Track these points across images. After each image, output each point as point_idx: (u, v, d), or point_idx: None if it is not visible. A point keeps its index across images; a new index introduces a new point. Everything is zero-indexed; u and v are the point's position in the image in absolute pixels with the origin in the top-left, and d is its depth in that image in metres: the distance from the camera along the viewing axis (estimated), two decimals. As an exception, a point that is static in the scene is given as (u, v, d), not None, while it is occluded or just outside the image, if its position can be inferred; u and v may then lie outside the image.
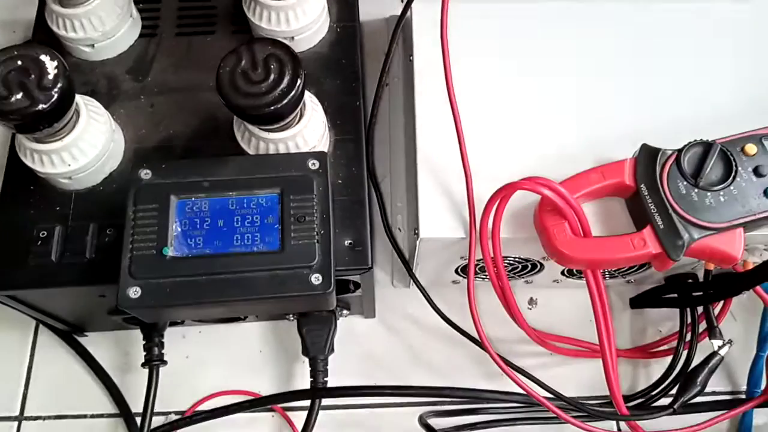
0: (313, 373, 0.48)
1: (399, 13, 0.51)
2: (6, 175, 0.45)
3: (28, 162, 0.42)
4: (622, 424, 0.52)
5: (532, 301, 0.57)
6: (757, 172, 0.42)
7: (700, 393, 0.48)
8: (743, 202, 0.41)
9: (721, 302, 0.51)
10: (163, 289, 0.38)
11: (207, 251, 0.39)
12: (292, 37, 0.48)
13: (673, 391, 0.50)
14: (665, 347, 0.54)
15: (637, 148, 0.44)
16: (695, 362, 0.49)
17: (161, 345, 0.48)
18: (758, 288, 0.47)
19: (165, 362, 0.48)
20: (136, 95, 0.48)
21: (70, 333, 0.54)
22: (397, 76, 0.59)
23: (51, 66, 0.38)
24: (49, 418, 0.53)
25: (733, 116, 0.46)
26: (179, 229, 0.39)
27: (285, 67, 0.39)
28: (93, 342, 0.54)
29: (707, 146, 0.42)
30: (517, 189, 0.41)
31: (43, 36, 0.49)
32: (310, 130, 0.43)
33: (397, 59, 0.58)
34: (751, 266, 0.46)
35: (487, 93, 0.49)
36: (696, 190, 0.42)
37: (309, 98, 0.44)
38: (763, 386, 0.51)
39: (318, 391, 0.48)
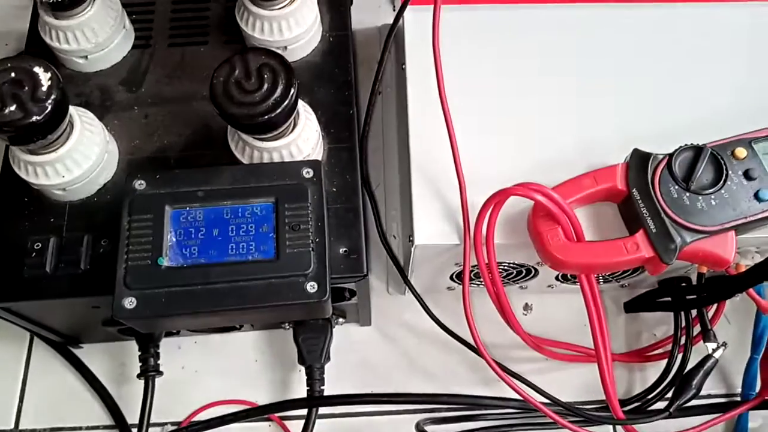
0: (310, 382, 0.48)
1: (391, 21, 0.52)
2: (-1, 186, 0.45)
3: (21, 174, 0.42)
4: (619, 428, 0.52)
5: (527, 307, 0.57)
6: (747, 175, 0.42)
7: (696, 396, 0.48)
8: (734, 205, 0.42)
9: (715, 305, 0.51)
10: (159, 299, 0.38)
11: (202, 261, 0.39)
12: (285, 47, 0.48)
13: (669, 395, 0.50)
14: (660, 351, 0.54)
15: (629, 153, 0.44)
16: (690, 365, 0.50)
17: (157, 356, 0.48)
18: (751, 290, 0.47)
19: (161, 373, 0.48)
20: (130, 106, 0.48)
21: (65, 345, 0.54)
22: (389, 85, 0.59)
23: (44, 78, 0.38)
24: (44, 430, 0.52)
25: (723, 120, 0.46)
26: (174, 239, 0.39)
27: (278, 77, 0.39)
28: (88, 353, 0.54)
29: (698, 150, 0.43)
30: (511, 195, 0.41)
31: (37, 48, 0.49)
32: (303, 139, 0.43)
33: (389, 68, 0.58)
34: (743, 269, 0.46)
35: (480, 100, 0.49)
36: (687, 193, 0.42)
37: (302, 107, 0.44)
38: (757, 388, 0.51)
39: (315, 399, 0.48)
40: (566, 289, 0.55)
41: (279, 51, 0.47)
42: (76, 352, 0.54)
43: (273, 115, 0.39)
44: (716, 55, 0.51)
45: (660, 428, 0.47)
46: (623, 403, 0.51)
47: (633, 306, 0.56)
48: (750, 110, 0.48)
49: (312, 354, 0.48)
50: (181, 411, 0.52)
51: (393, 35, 0.52)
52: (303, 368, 0.48)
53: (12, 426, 0.52)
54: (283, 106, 0.39)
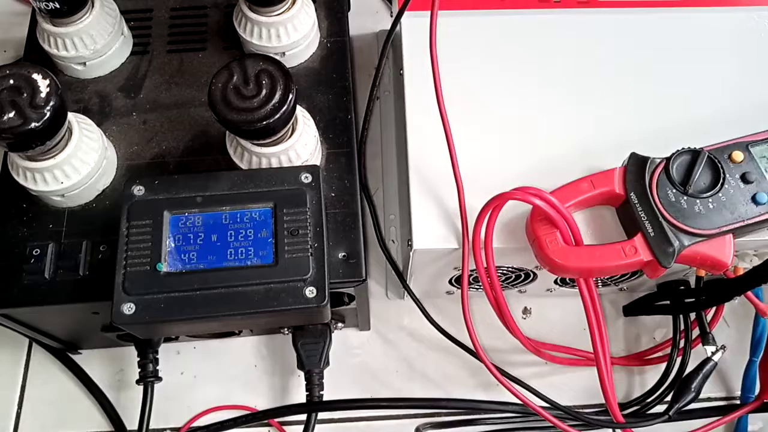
0: (309, 387, 0.48)
1: (389, 27, 0.52)
2: (-2, 193, 0.45)
3: (20, 180, 0.42)
4: (618, 431, 0.52)
5: (526, 311, 0.57)
6: (744, 178, 0.43)
7: (695, 399, 0.48)
8: (732, 208, 0.42)
9: (714, 308, 0.51)
10: (158, 304, 0.38)
11: (201, 266, 0.39)
12: (283, 53, 0.48)
13: (668, 398, 0.50)
14: (659, 354, 0.54)
15: (626, 157, 0.44)
16: (689, 368, 0.50)
17: (156, 361, 0.48)
18: (749, 293, 0.47)
19: (160, 379, 0.48)
20: (129, 112, 0.48)
21: (63, 350, 0.54)
22: (387, 90, 0.60)
23: (43, 84, 0.38)
24: (43, 437, 0.52)
25: (721, 123, 0.46)
26: (173, 245, 0.40)
27: (276, 83, 0.39)
28: (87, 359, 0.54)
29: (695, 154, 0.43)
30: (509, 199, 0.41)
31: (35, 55, 0.49)
32: (302, 145, 0.43)
33: (387, 73, 0.59)
34: (741, 272, 0.46)
35: (477, 104, 0.49)
36: (685, 197, 0.42)
37: (301, 112, 0.44)
38: (756, 391, 0.51)
39: (314, 404, 0.48)
40: (565, 292, 0.55)
41: (277, 57, 0.48)
42: (75, 357, 0.54)
43: (271, 120, 0.39)
44: (713, 58, 0.51)
45: (659, 432, 0.48)
46: (623, 406, 0.52)
47: (632, 309, 0.56)
48: (747, 113, 0.48)
49: (311, 359, 0.48)
50: (180, 416, 0.52)
51: (390, 41, 0.52)
52: (302, 373, 0.48)
53: (11, 432, 0.52)
54: (281, 111, 0.39)
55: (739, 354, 0.52)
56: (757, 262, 0.48)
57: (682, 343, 0.51)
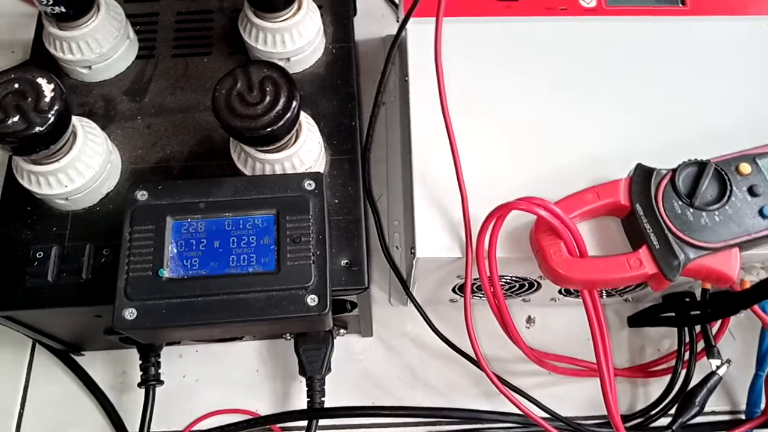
0: (310, 393, 0.48)
1: (395, 32, 0.52)
2: (3, 195, 0.45)
3: (24, 183, 0.43)
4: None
5: (530, 320, 0.56)
6: (751, 191, 0.42)
7: (699, 413, 0.48)
8: (738, 221, 0.41)
9: (719, 321, 0.51)
10: (159, 310, 0.38)
11: (203, 272, 0.39)
12: (288, 59, 0.48)
13: (672, 411, 0.49)
14: (664, 366, 0.54)
15: (632, 168, 0.44)
16: (694, 381, 0.49)
17: (158, 365, 0.48)
18: (756, 307, 0.46)
19: (161, 382, 0.48)
20: (133, 116, 0.48)
21: (66, 352, 0.54)
22: (393, 95, 0.59)
23: (48, 89, 0.39)
24: (45, 438, 0.52)
25: (728, 135, 0.46)
26: (175, 251, 0.39)
27: (280, 90, 0.39)
28: (90, 361, 0.54)
29: (702, 166, 0.42)
30: (513, 209, 0.41)
31: (41, 57, 0.49)
32: (305, 151, 0.43)
33: (393, 78, 0.58)
34: (748, 285, 0.46)
35: (483, 113, 0.49)
36: (691, 209, 0.42)
37: (305, 119, 0.44)
38: (762, 406, 0.51)
39: (315, 411, 0.47)
40: (569, 302, 0.54)
41: (282, 63, 0.48)
42: (78, 359, 0.54)
43: (275, 127, 0.39)
44: (721, 69, 0.51)
45: (663, 445, 0.47)
46: (626, 418, 0.51)
47: (636, 320, 0.55)
48: (755, 125, 0.47)
49: (313, 365, 0.48)
50: (181, 420, 0.52)
51: (396, 46, 0.52)
52: (304, 378, 0.48)
53: (13, 432, 0.52)
54: (285, 119, 0.39)
55: (745, 367, 0.52)
56: (763, 275, 0.47)
57: (686, 356, 0.51)
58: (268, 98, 0.39)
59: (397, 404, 0.52)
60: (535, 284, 0.51)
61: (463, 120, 0.46)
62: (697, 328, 0.51)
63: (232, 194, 0.41)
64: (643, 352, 0.55)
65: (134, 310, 0.38)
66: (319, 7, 0.51)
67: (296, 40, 0.47)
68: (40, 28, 0.50)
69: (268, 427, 0.52)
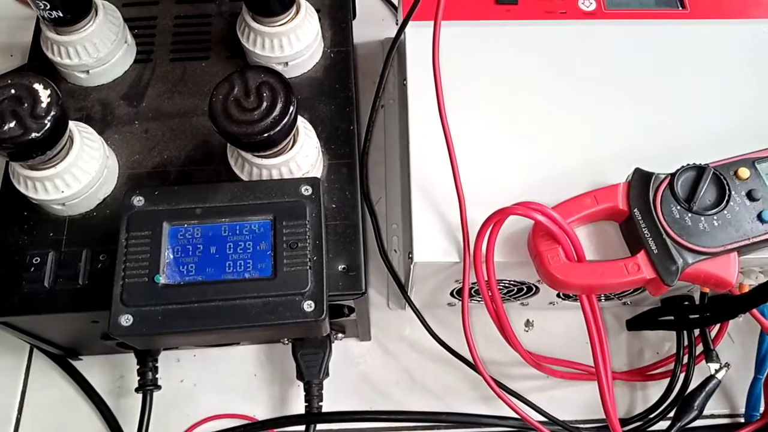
0: (308, 398, 0.48)
1: (394, 35, 0.52)
2: None
3: (21, 188, 0.42)
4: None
5: (528, 323, 0.56)
6: (750, 196, 0.42)
7: (698, 417, 0.48)
8: (737, 226, 0.41)
9: (718, 325, 0.51)
10: (155, 316, 0.38)
11: (199, 278, 0.39)
12: (286, 63, 0.48)
13: (671, 414, 0.49)
14: (662, 369, 0.54)
15: (630, 172, 0.44)
16: (693, 385, 0.49)
17: (155, 370, 0.48)
18: (754, 311, 0.46)
19: (159, 387, 0.48)
20: (131, 121, 0.48)
21: (64, 357, 0.54)
22: (392, 98, 0.59)
23: (44, 95, 0.38)
24: (42, 443, 0.52)
25: (726, 140, 0.46)
26: (171, 256, 0.39)
27: (277, 95, 0.39)
28: (87, 366, 0.54)
29: (700, 170, 0.42)
30: (510, 214, 0.41)
31: (39, 61, 0.49)
32: (303, 156, 0.43)
33: (392, 81, 0.58)
34: (746, 289, 0.46)
35: (481, 116, 0.49)
36: (689, 214, 0.42)
37: (302, 124, 0.44)
38: (761, 409, 0.51)
39: (313, 416, 0.47)
40: (568, 305, 0.54)
41: (280, 67, 0.48)
42: (76, 364, 0.54)
43: (271, 133, 0.38)
44: (719, 73, 0.51)
45: (661, 449, 0.47)
46: (624, 422, 0.51)
47: (635, 324, 0.55)
48: (753, 130, 0.47)
49: (310, 370, 0.48)
50: (179, 424, 0.52)
51: (395, 50, 0.52)
52: (302, 383, 0.48)
53: (11, 438, 0.52)
54: (281, 124, 0.39)
55: (744, 370, 0.52)
56: (762, 279, 0.47)
57: (685, 359, 0.51)
58: (264, 104, 0.39)
59: (395, 408, 0.52)
60: (534, 288, 0.50)
61: (461, 124, 0.46)
62: (696, 331, 0.51)
63: (229, 200, 0.41)
64: (642, 356, 0.55)
65: (130, 317, 0.38)
66: (318, 11, 0.51)
67: (294, 45, 0.47)
68: (38, 32, 0.50)
69: (266, 431, 0.52)
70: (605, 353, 0.43)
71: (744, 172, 0.42)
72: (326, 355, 0.48)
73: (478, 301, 0.52)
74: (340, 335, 0.52)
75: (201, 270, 0.39)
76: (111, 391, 0.53)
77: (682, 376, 0.51)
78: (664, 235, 0.41)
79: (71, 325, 0.46)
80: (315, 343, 0.48)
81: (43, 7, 0.43)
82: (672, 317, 0.52)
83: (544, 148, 0.47)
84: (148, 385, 0.47)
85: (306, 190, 0.41)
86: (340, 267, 0.43)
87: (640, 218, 0.42)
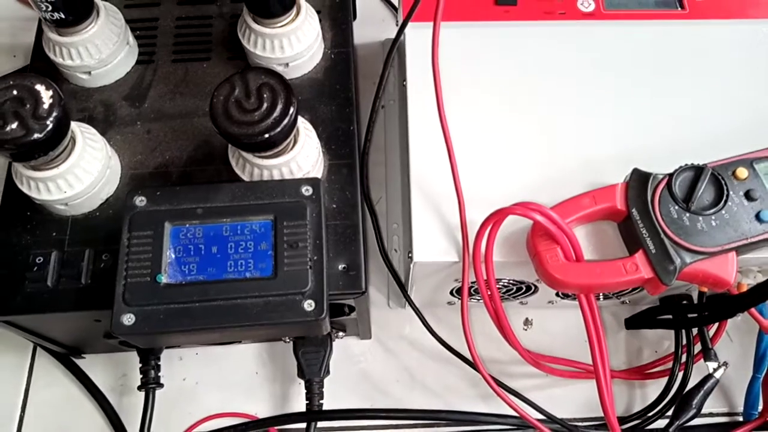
0: (309, 396, 0.48)
1: (394, 36, 0.52)
2: (2, 201, 0.46)
3: (24, 189, 0.43)
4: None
5: (527, 322, 0.57)
6: (748, 196, 0.42)
7: (696, 416, 0.48)
8: (735, 226, 0.41)
9: (717, 324, 0.51)
10: (157, 315, 0.38)
11: (201, 278, 0.39)
12: (287, 64, 0.49)
13: (670, 413, 0.49)
14: (661, 368, 0.54)
15: (629, 173, 0.44)
16: (692, 383, 0.49)
17: (158, 368, 0.48)
18: (753, 310, 0.46)
19: (161, 385, 0.48)
20: (133, 121, 0.48)
21: (67, 355, 0.54)
22: (393, 99, 0.60)
23: (46, 95, 0.39)
24: (46, 440, 0.53)
25: (725, 140, 0.46)
26: (173, 256, 0.40)
27: (278, 96, 0.39)
28: (90, 364, 0.54)
29: (698, 170, 0.43)
30: (509, 214, 0.41)
31: (42, 62, 0.49)
32: (303, 157, 0.43)
33: (393, 81, 0.59)
34: (745, 288, 0.46)
35: (480, 117, 0.49)
36: (687, 214, 0.42)
37: (303, 124, 0.44)
38: (760, 408, 0.51)
39: (313, 414, 0.48)
40: (567, 304, 0.54)
41: (281, 68, 0.48)
42: (79, 362, 0.55)
43: (272, 134, 0.39)
44: (718, 73, 0.51)
45: (660, 448, 0.47)
46: (622, 420, 0.51)
47: (634, 323, 0.56)
48: (752, 130, 0.47)
49: (311, 368, 0.48)
50: (181, 423, 0.53)
51: (395, 51, 0.52)
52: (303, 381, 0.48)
53: (14, 435, 0.53)
54: (282, 125, 0.39)
55: (743, 369, 0.52)
56: (760, 278, 0.48)
57: (684, 358, 0.51)
58: (265, 105, 0.39)
59: (395, 406, 0.53)
60: (533, 287, 0.51)
61: (460, 124, 0.46)
62: (695, 330, 0.51)
63: (230, 200, 0.41)
64: (641, 354, 0.55)
65: (132, 316, 0.38)
66: (318, 12, 0.51)
67: (295, 46, 0.48)
68: (40, 33, 0.51)
69: (266, 429, 0.52)
70: (604, 352, 0.43)
71: (742, 172, 0.43)
72: (327, 354, 0.48)
73: (478, 300, 0.52)
74: (340, 334, 0.53)
75: (202, 269, 0.39)
76: (114, 389, 0.54)
77: (681, 374, 0.51)
78: (662, 235, 0.41)
79: (74, 324, 0.47)
80: (316, 342, 0.48)
81: (44, 8, 0.44)
82: (670, 316, 0.52)
83: (543, 149, 0.48)
84: (150, 384, 0.47)
85: (306, 191, 0.42)
86: (341, 266, 0.44)
87: (638, 218, 0.42)
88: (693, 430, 0.50)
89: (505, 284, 0.50)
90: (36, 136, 0.38)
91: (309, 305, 0.39)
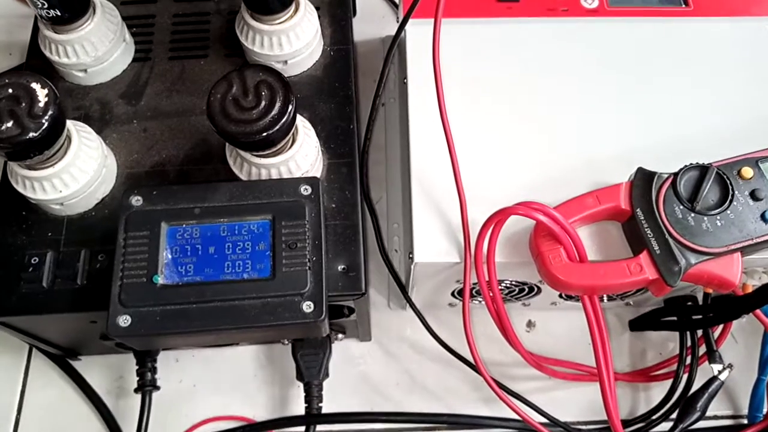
0: (308, 399, 0.47)
1: (394, 33, 0.51)
2: (-3, 200, 0.45)
3: (19, 188, 0.42)
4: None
5: (530, 324, 0.56)
6: (753, 195, 0.42)
7: (701, 418, 0.47)
8: (740, 226, 0.41)
9: (721, 325, 0.50)
10: (153, 317, 0.38)
11: (198, 279, 0.39)
12: (286, 61, 0.48)
13: (674, 416, 0.49)
14: (665, 370, 0.53)
15: (633, 172, 0.43)
16: (696, 386, 0.49)
17: (154, 370, 0.47)
18: (758, 311, 0.46)
19: (158, 387, 0.47)
20: (129, 120, 0.48)
21: (63, 357, 0.53)
22: (393, 96, 0.59)
23: (41, 94, 0.38)
24: (41, 443, 0.52)
25: (730, 139, 0.45)
26: (170, 257, 0.39)
27: (276, 94, 0.39)
28: (86, 366, 0.54)
29: (703, 170, 0.42)
30: (512, 214, 0.41)
31: (38, 60, 0.49)
32: (302, 156, 0.43)
33: (393, 79, 0.58)
34: (750, 289, 0.45)
35: (482, 115, 0.48)
36: (692, 214, 0.41)
37: (301, 123, 0.44)
38: (765, 410, 0.50)
39: (312, 417, 0.47)
40: (570, 306, 0.54)
41: (279, 65, 0.48)
42: (75, 364, 0.54)
43: (270, 132, 0.38)
44: (724, 71, 0.50)
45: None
46: (626, 423, 0.51)
47: (638, 324, 0.55)
48: (757, 128, 0.47)
49: (310, 370, 0.47)
50: (178, 425, 0.52)
51: (395, 48, 0.52)
52: (302, 384, 0.47)
53: (10, 438, 0.52)
54: (280, 123, 0.38)
55: (748, 371, 0.51)
56: (765, 279, 0.47)
57: (688, 360, 0.50)
58: (263, 103, 0.38)
59: (396, 409, 0.52)
60: (535, 288, 0.50)
61: (461, 122, 0.45)
62: (699, 332, 0.50)
63: (228, 199, 0.41)
64: (645, 357, 0.55)
65: (128, 317, 0.37)
66: (317, 8, 0.51)
67: (293, 43, 0.47)
68: (36, 31, 0.50)
69: (265, 432, 0.52)
70: (607, 354, 0.43)
71: (747, 171, 0.42)
72: (326, 356, 0.48)
73: (479, 301, 0.52)
74: (340, 336, 0.52)
75: (199, 270, 0.39)
76: (110, 391, 0.53)
77: (685, 377, 0.50)
78: (667, 236, 0.41)
79: (70, 326, 0.46)
80: (315, 344, 0.48)
81: (40, 5, 0.43)
82: (675, 318, 0.51)
83: (545, 147, 0.47)
84: (147, 386, 0.47)
85: (305, 190, 0.41)
86: (340, 267, 0.43)
87: (642, 218, 0.41)
88: (698, 432, 0.49)
89: (508, 285, 0.50)
90: (31, 134, 0.38)
91: (308, 306, 0.38)
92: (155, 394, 0.47)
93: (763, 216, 0.41)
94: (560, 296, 0.52)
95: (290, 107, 0.39)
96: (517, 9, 0.53)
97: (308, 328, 0.41)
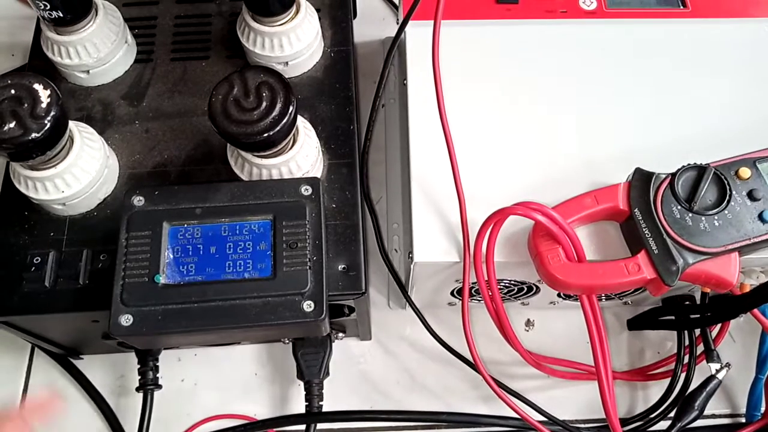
0: (308, 398, 0.48)
1: (394, 34, 0.52)
2: (0, 200, 0.45)
3: (21, 188, 0.43)
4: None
5: (529, 323, 0.56)
6: (751, 195, 0.42)
7: (699, 417, 0.48)
8: (738, 226, 0.41)
9: (719, 325, 0.50)
10: (155, 316, 0.38)
11: (199, 278, 0.39)
12: (286, 63, 0.48)
13: (672, 414, 0.49)
14: (663, 369, 0.54)
15: (631, 172, 0.44)
16: (694, 384, 0.49)
17: (156, 369, 0.48)
18: (755, 311, 0.46)
19: (159, 386, 0.48)
20: (131, 120, 0.48)
21: (65, 356, 0.54)
22: (393, 98, 0.59)
23: (44, 95, 0.38)
24: (44, 442, 0.52)
25: (728, 139, 0.45)
26: (171, 256, 0.39)
27: (277, 95, 0.39)
28: (88, 365, 0.54)
29: (701, 170, 0.42)
30: (510, 214, 0.41)
31: (40, 61, 0.49)
32: (303, 156, 0.43)
33: (393, 80, 0.58)
34: (747, 289, 0.46)
35: (481, 116, 0.49)
36: (690, 214, 0.41)
37: (302, 124, 0.44)
38: (762, 409, 0.50)
39: (313, 415, 0.47)
40: (569, 305, 0.54)
41: (280, 66, 0.48)
42: (77, 363, 0.54)
43: (271, 133, 0.38)
44: (721, 71, 0.50)
45: (662, 449, 0.47)
46: (624, 422, 0.51)
47: (636, 323, 0.55)
48: (755, 129, 0.47)
49: (311, 369, 0.48)
50: (180, 424, 0.52)
51: (395, 49, 0.52)
52: (303, 382, 0.48)
53: (12, 437, 0.52)
54: (281, 124, 0.39)
55: (745, 370, 0.51)
56: (763, 279, 0.47)
57: (686, 359, 0.51)
58: (264, 104, 0.39)
59: (396, 408, 0.52)
60: (534, 288, 0.50)
61: (461, 123, 0.46)
62: (697, 331, 0.50)
63: (229, 200, 0.41)
64: (643, 355, 0.55)
65: (130, 317, 0.38)
66: (318, 10, 0.51)
67: (294, 44, 0.47)
68: (38, 32, 0.50)
69: (265, 431, 0.52)
70: (606, 353, 0.43)
71: (745, 171, 0.42)
72: (327, 355, 0.48)
73: (479, 300, 0.52)
74: (340, 335, 0.52)
75: (201, 270, 0.39)
76: (112, 390, 0.53)
77: (683, 376, 0.51)
78: (665, 235, 0.41)
79: (72, 325, 0.46)
80: (315, 343, 0.48)
81: (43, 7, 0.43)
82: (673, 317, 0.52)
83: (544, 148, 0.47)
84: (148, 385, 0.47)
85: (306, 190, 0.41)
86: (341, 267, 0.43)
87: (640, 218, 0.42)
88: (695, 431, 0.49)
89: (507, 285, 0.50)
90: (34, 135, 0.38)
91: (308, 306, 0.38)
92: (157, 393, 0.47)
93: (760, 216, 0.41)
94: (559, 295, 0.52)
95: (291, 108, 0.39)
96: (516, 11, 0.53)
97: (309, 328, 0.41)
